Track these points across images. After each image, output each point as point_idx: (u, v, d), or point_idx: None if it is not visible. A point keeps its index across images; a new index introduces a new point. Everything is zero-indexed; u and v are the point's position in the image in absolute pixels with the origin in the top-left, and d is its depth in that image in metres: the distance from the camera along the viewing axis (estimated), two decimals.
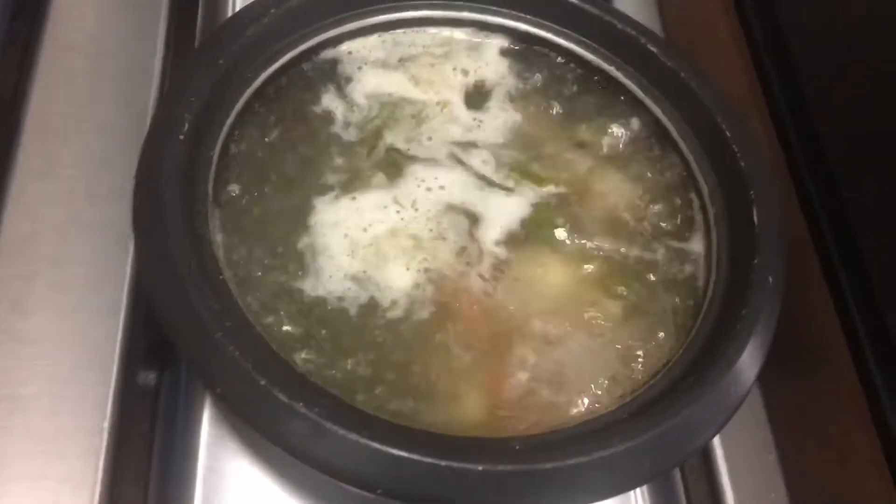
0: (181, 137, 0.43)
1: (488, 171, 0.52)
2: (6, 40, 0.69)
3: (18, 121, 0.65)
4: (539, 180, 0.52)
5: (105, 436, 0.54)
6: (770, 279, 0.46)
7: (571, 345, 0.47)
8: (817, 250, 0.55)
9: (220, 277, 0.42)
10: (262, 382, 0.38)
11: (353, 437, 0.37)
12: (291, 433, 0.38)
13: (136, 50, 0.71)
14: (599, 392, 0.45)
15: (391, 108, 0.54)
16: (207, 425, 0.57)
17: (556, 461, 0.38)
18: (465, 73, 0.57)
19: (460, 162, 0.52)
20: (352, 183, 0.50)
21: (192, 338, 0.39)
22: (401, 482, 0.38)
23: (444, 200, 0.51)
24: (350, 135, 0.53)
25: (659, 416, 0.40)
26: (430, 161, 0.52)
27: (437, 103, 0.54)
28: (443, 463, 0.37)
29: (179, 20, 0.74)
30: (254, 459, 0.56)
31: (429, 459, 0.37)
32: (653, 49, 0.53)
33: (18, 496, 0.51)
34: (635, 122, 0.55)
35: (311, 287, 0.46)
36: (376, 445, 0.37)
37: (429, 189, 0.51)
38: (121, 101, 0.67)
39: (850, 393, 0.52)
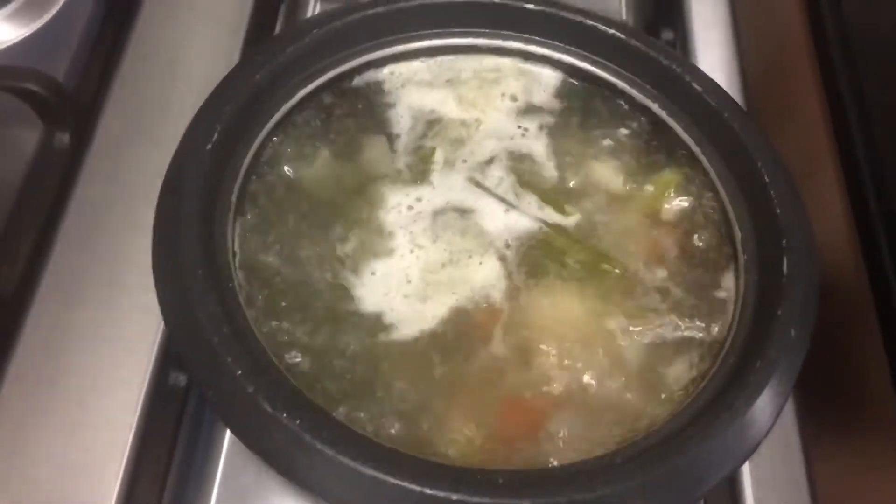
0: (208, 147, 0.45)
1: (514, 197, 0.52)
2: (94, 45, 0.74)
3: (93, 124, 0.69)
4: (562, 210, 0.51)
5: (132, 431, 0.56)
6: (792, 331, 0.43)
7: (581, 384, 0.46)
8: (880, 317, 0.53)
9: (231, 285, 0.43)
10: (250, 390, 0.38)
11: (330, 453, 0.37)
12: (271, 443, 0.38)
13: (213, 63, 0.74)
14: (600, 435, 0.44)
15: (438, 128, 0.55)
16: (230, 432, 0.58)
17: (533, 498, 0.37)
18: (514, 98, 0.57)
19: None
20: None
21: (190, 339, 0.40)
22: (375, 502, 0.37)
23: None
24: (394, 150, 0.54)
25: (649, 464, 0.39)
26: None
27: (476, 121, 0.55)
28: (416, 488, 0.37)
29: (258, 37, 0.77)
30: (271, 471, 0.57)
31: (404, 483, 0.37)
32: (697, 88, 0.52)
33: (42, 479, 0.54)
34: (677, 166, 0.54)
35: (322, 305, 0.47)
36: (350, 463, 0.37)
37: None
38: (189, 113, 0.70)
39: None
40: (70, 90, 0.66)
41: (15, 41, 0.72)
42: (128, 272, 0.62)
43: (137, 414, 0.56)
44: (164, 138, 0.67)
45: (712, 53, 0.81)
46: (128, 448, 0.55)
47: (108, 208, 0.65)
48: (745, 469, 0.56)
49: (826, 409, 0.60)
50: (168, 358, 0.59)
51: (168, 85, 0.72)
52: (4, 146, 0.65)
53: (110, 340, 0.59)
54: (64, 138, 0.65)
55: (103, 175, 0.66)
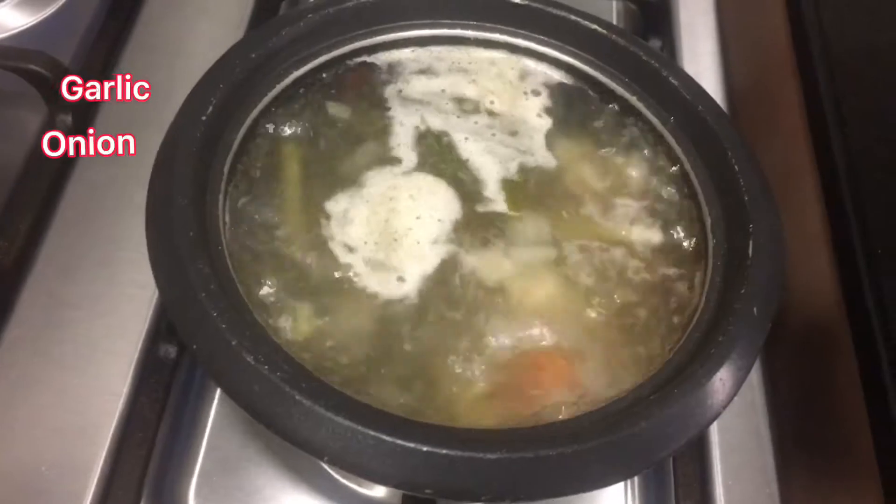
0: (203, 118, 0.47)
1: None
2: (100, 33, 0.76)
3: (95, 108, 0.71)
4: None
5: (122, 399, 0.58)
6: (755, 310, 0.45)
7: (553, 351, 0.48)
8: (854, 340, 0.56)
9: (220, 248, 0.45)
10: (234, 343, 0.40)
11: (307, 403, 0.39)
12: (254, 395, 0.40)
13: (214, 54, 0.76)
14: (571, 402, 0.46)
15: (424, 112, 0.57)
16: (217, 404, 0.61)
17: (500, 452, 0.39)
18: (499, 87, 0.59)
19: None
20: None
21: (178, 295, 0.42)
22: (346, 452, 0.39)
23: None
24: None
25: (612, 427, 0.41)
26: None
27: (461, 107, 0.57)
28: (388, 439, 0.39)
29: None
30: (255, 440, 0.59)
31: (377, 434, 0.39)
32: (672, 81, 0.54)
33: (34, 442, 0.56)
34: (651, 151, 0.56)
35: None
36: (325, 413, 0.39)
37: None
38: None
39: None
40: (74, 73, 0.68)
41: (24, 27, 0.75)
42: (122, 249, 0.64)
43: (128, 383, 0.58)
44: (163, 124, 0.69)
45: (698, 63, 0.84)
46: (117, 415, 0.57)
47: (105, 189, 0.67)
48: None
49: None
50: (159, 331, 0.61)
51: (169, 74, 0.75)
52: (9, 126, 0.67)
53: (104, 314, 0.61)
54: (66, 120, 0.68)
55: (102, 156, 0.68)
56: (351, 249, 0.50)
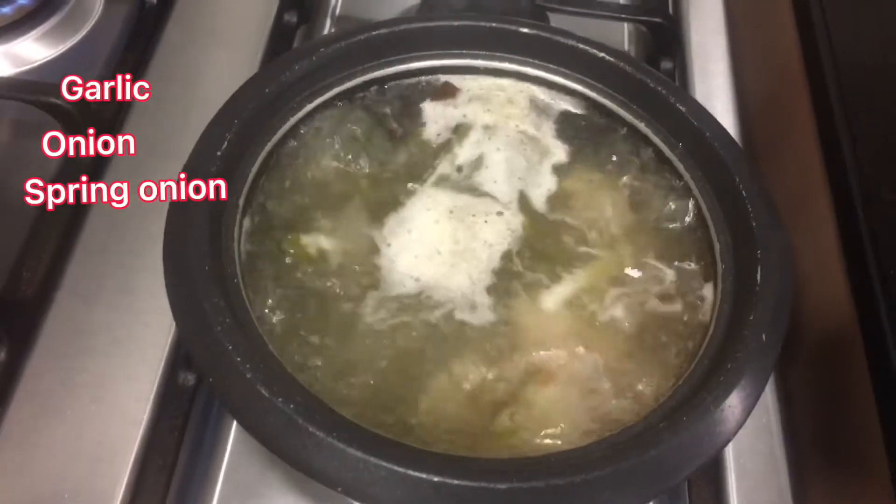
0: (218, 154, 0.48)
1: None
2: (119, 65, 0.78)
3: (115, 137, 0.72)
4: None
5: (142, 426, 0.59)
6: (763, 336, 0.46)
7: (566, 381, 0.49)
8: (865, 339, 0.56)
9: (235, 281, 0.46)
10: (248, 376, 0.41)
11: (320, 435, 0.40)
12: (269, 427, 0.41)
13: (230, 86, 0.77)
14: (580, 430, 0.47)
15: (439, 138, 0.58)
16: (235, 430, 0.61)
17: (511, 482, 0.40)
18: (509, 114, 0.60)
19: None
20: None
21: (194, 327, 0.43)
22: (359, 483, 0.40)
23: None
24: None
25: (621, 455, 0.41)
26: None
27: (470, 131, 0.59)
28: (401, 470, 0.40)
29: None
30: (273, 468, 0.60)
31: (390, 465, 0.40)
32: (680, 108, 0.55)
33: (56, 470, 0.57)
34: (661, 178, 0.56)
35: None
36: (338, 445, 0.40)
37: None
38: None
39: None
40: (93, 105, 0.69)
41: (46, 59, 0.77)
42: (142, 278, 0.65)
43: (148, 410, 0.59)
44: (181, 154, 0.71)
45: (709, 84, 0.84)
46: (137, 442, 0.58)
47: (125, 218, 0.68)
48: None
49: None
50: (178, 358, 0.62)
51: (187, 105, 0.76)
52: (31, 156, 0.69)
53: (124, 341, 0.62)
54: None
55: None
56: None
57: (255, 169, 0.51)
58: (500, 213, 0.55)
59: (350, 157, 0.56)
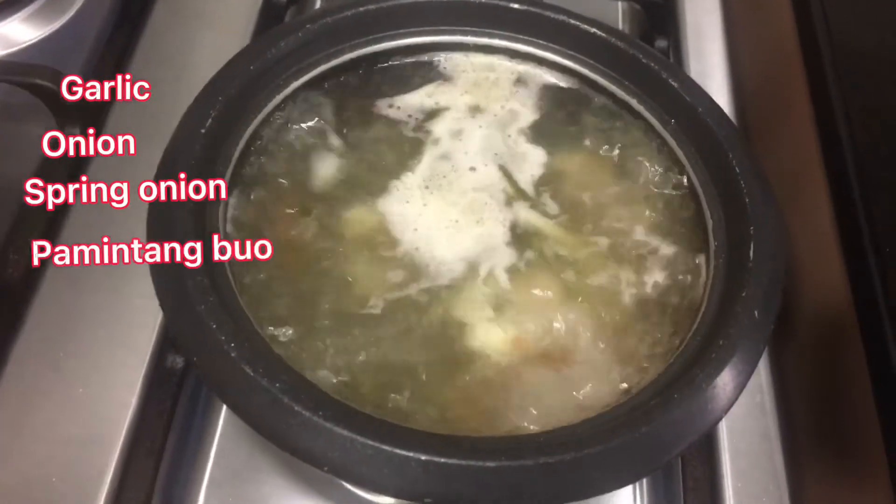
0: (202, 131, 0.47)
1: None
2: (107, 47, 0.77)
3: (103, 120, 0.72)
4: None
5: (131, 410, 0.58)
6: (756, 313, 0.45)
7: (555, 357, 0.48)
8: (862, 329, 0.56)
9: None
10: (233, 355, 0.41)
11: (307, 415, 0.39)
12: (254, 406, 0.40)
13: (218, 67, 0.77)
14: (569, 407, 0.46)
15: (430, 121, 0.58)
16: (225, 413, 0.61)
17: (500, 460, 0.39)
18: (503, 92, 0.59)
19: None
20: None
21: (179, 307, 0.42)
22: (345, 462, 0.39)
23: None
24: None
25: (611, 432, 0.41)
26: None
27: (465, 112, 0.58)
28: (387, 448, 0.39)
29: None
30: (263, 452, 0.59)
31: (376, 444, 0.39)
32: (673, 84, 0.54)
33: (44, 454, 0.56)
34: (653, 154, 0.56)
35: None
36: (325, 424, 0.39)
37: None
38: None
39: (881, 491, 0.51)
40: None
41: (32, 41, 0.76)
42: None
43: (136, 393, 0.59)
44: (169, 136, 0.70)
45: (704, 63, 0.84)
46: (126, 425, 0.58)
47: (113, 196, 0.67)
48: None
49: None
50: (166, 341, 0.61)
51: (175, 87, 0.75)
52: (18, 139, 0.68)
53: (112, 325, 0.62)
54: (75, 131, 0.68)
55: (112, 171, 0.69)
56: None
57: (240, 147, 0.50)
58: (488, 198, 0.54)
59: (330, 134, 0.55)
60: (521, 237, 0.53)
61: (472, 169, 0.55)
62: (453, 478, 0.39)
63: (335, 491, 0.59)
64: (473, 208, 0.54)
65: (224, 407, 0.61)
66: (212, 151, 0.48)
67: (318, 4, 0.83)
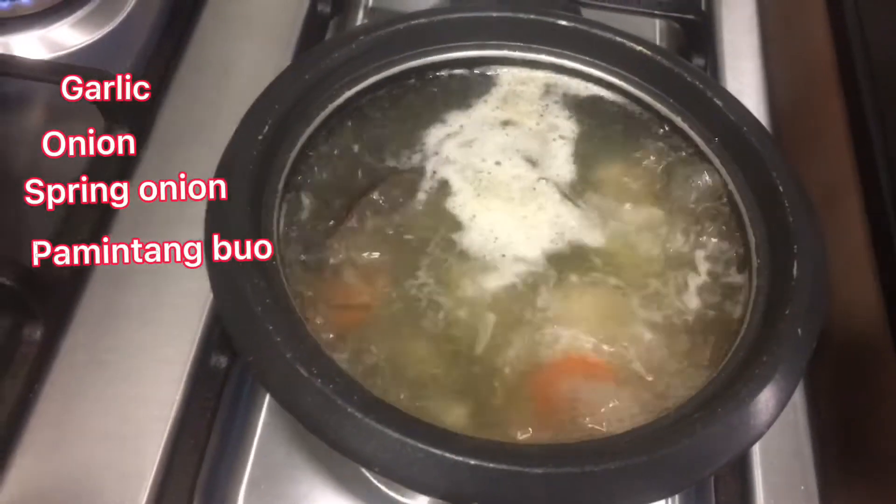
0: (259, 138, 0.49)
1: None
2: (155, 51, 0.78)
3: (151, 124, 0.73)
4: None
5: (174, 407, 0.59)
6: (799, 330, 0.46)
7: (600, 369, 0.49)
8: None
9: (274, 262, 0.47)
10: (288, 356, 0.42)
11: (358, 415, 0.40)
12: (308, 406, 0.41)
13: (264, 73, 0.78)
14: (617, 419, 0.47)
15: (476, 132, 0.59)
16: (265, 413, 0.62)
17: (546, 467, 0.40)
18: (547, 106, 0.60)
19: None
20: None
21: (235, 308, 0.44)
22: (396, 463, 0.40)
23: None
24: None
25: (655, 444, 0.41)
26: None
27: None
28: (437, 452, 0.40)
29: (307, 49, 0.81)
30: (301, 450, 0.60)
31: (425, 447, 0.40)
32: (717, 102, 0.55)
33: (87, 449, 0.58)
34: (697, 171, 0.57)
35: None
36: (376, 426, 0.40)
37: None
38: (240, 117, 0.74)
39: None
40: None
41: (81, 45, 0.78)
42: None
43: (180, 391, 0.60)
44: (215, 140, 0.71)
45: (740, 81, 0.84)
46: (170, 422, 0.59)
47: (159, 204, 0.69)
48: None
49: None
50: (210, 340, 0.62)
51: (221, 91, 0.77)
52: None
53: (157, 323, 0.63)
54: (123, 132, 0.70)
55: (158, 171, 0.70)
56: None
57: (294, 153, 0.51)
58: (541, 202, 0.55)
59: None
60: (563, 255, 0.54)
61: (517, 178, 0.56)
62: (500, 483, 0.40)
63: (369, 491, 0.60)
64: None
65: (264, 407, 0.62)
66: (268, 157, 0.49)
67: (360, 16, 0.85)
